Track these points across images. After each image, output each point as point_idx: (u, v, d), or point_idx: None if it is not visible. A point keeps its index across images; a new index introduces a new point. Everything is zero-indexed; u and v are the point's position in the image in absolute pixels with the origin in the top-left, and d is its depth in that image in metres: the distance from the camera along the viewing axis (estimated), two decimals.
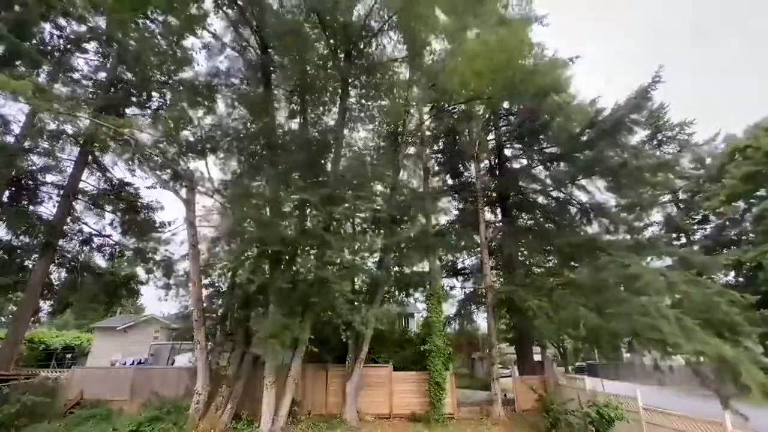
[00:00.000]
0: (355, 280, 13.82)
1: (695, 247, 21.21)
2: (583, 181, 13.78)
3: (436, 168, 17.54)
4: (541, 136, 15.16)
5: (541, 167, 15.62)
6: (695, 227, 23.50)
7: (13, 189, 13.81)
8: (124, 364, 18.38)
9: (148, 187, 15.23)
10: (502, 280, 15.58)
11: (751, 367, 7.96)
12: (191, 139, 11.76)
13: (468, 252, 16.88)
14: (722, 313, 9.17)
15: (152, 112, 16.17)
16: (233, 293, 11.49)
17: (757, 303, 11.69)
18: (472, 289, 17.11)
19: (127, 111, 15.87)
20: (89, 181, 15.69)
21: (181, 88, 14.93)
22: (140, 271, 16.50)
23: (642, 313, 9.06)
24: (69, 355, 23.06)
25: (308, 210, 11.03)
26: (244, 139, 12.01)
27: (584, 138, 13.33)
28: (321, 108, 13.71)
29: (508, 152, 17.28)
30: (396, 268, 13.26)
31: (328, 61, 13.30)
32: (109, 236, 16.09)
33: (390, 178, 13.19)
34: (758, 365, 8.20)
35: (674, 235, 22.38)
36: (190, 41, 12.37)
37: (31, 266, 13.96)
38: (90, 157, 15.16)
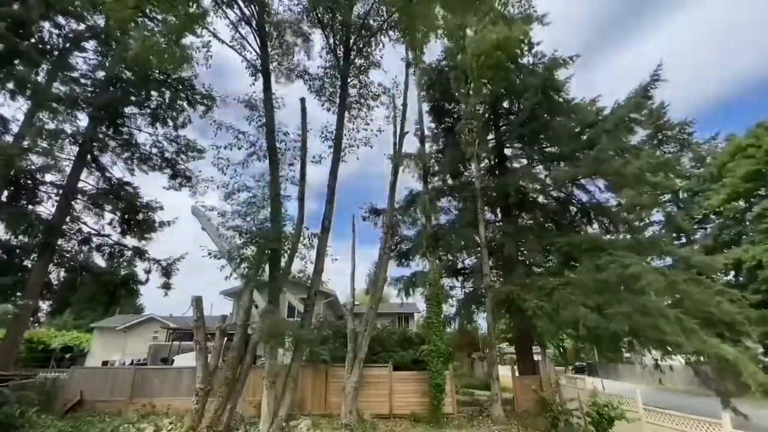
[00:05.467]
0: (355, 279, 13.81)
1: (696, 247, 21.20)
2: (583, 181, 13.76)
3: (436, 168, 17.52)
4: (541, 136, 15.13)
5: (541, 167, 15.60)
6: (696, 226, 23.50)
7: (12, 189, 13.77)
8: (124, 364, 18.35)
9: None
10: (502, 280, 15.56)
11: (752, 366, 7.95)
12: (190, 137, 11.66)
13: (468, 252, 16.84)
14: (723, 312, 9.16)
15: (151, 111, 16.16)
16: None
17: (759, 302, 11.68)
18: (472, 289, 17.08)
19: (126, 110, 15.85)
20: (88, 181, 15.67)
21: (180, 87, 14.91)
22: (139, 271, 16.51)
23: (642, 313, 9.04)
24: (68, 355, 23.02)
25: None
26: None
27: (584, 137, 13.32)
28: (320, 107, 13.68)
29: (508, 152, 17.26)
30: (396, 268, 13.26)
31: (328, 60, 13.30)
32: (108, 236, 16.06)
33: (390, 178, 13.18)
34: (758, 364, 8.19)
35: (674, 235, 22.37)
36: (189, 39, 12.31)
37: (30, 266, 13.92)
38: (89, 157, 15.13)
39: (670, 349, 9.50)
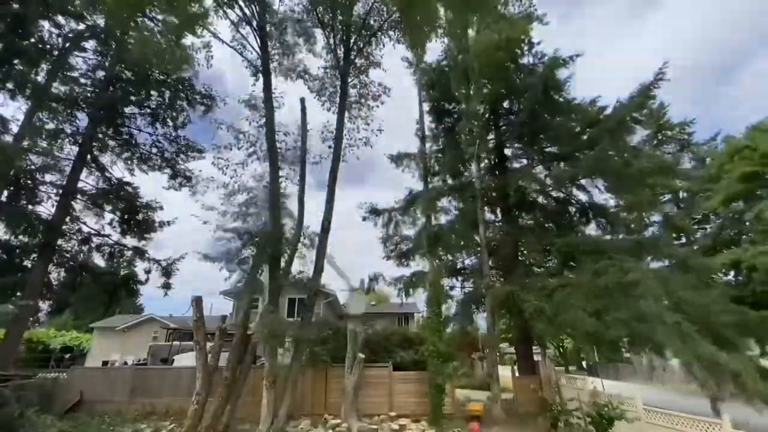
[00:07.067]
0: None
1: (695, 247, 21.20)
2: (583, 181, 13.76)
3: (436, 168, 17.51)
4: (541, 136, 15.12)
5: (541, 167, 15.59)
6: (695, 227, 23.51)
7: (12, 189, 13.75)
8: (124, 363, 18.32)
9: None
10: (502, 280, 15.55)
11: (750, 372, 7.90)
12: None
13: (468, 252, 16.83)
14: (720, 317, 9.12)
15: (151, 111, 16.15)
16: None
17: (755, 304, 11.67)
18: (472, 289, 17.06)
19: (126, 110, 15.83)
20: (88, 181, 15.68)
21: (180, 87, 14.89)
22: (139, 271, 16.50)
23: (639, 320, 9.00)
24: (68, 355, 22.99)
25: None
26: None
27: (585, 137, 13.31)
28: (321, 107, 13.69)
29: (508, 152, 17.24)
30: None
31: (328, 60, 13.30)
32: (108, 236, 16.05)
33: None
34: (756, 369, 8.15)
35: (674, 236, 22.39)
36: (189, 39, 12.30)
37: (30, 266, 13.91)
38: (89, 157, 15.11)
39: (666, 354, 9.50)
